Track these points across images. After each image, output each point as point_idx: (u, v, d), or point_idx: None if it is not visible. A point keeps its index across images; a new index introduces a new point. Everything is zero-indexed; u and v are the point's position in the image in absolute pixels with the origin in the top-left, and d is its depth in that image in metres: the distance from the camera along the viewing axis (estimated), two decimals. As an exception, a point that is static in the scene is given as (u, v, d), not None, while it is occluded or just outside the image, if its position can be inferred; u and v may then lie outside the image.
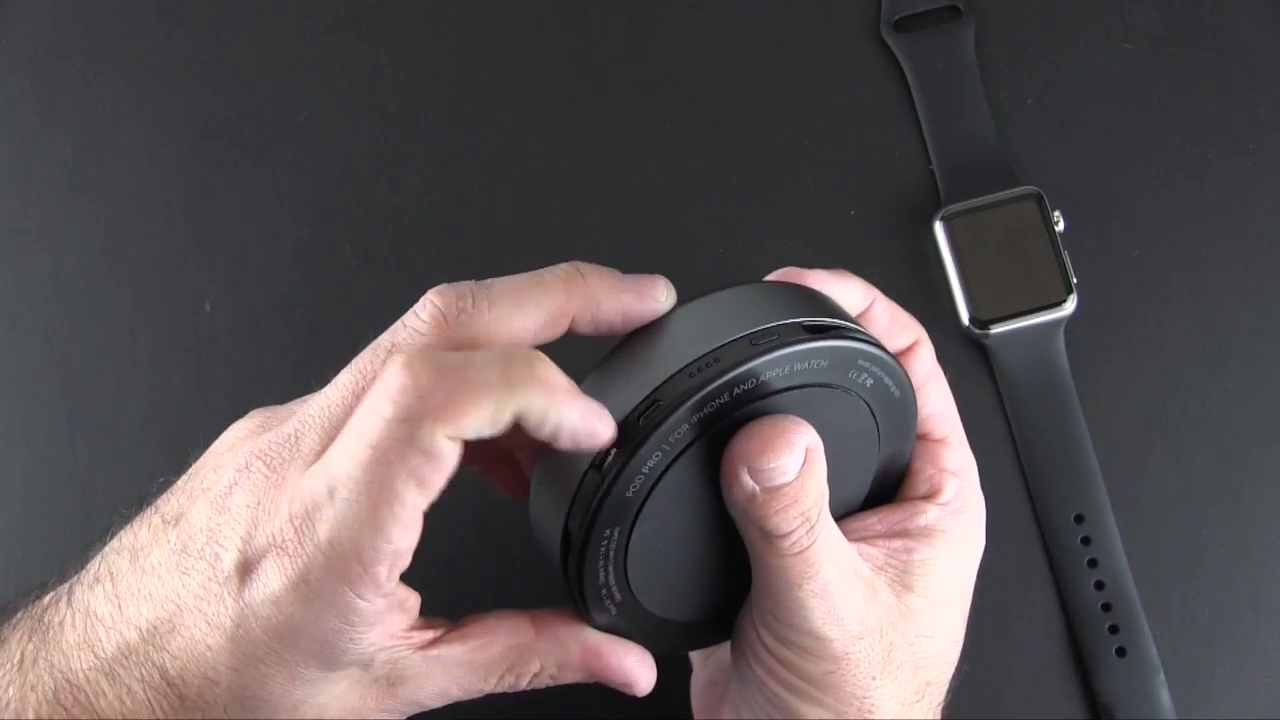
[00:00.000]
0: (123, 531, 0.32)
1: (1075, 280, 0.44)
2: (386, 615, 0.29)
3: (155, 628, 0.30)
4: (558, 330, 0.32)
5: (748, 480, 0.30)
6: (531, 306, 0.31)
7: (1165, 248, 0.46)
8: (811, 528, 0.31)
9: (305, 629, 0.29)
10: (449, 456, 0.28)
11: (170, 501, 0.32)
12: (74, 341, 0.46)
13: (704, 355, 0.30)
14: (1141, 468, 0.44)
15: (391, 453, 0.28)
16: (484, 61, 0.49)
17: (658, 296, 0.32)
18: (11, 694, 0.31)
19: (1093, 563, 0.42)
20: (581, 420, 0.29)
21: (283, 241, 0.47)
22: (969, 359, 0.45)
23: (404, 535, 0.28)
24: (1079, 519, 0.43)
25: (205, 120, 0.48)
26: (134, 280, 0.47)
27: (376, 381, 0.28)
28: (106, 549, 0.32)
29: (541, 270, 0.32)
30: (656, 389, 0.30)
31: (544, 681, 0.32)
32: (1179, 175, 0.47)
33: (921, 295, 0.45)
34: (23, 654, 0.31)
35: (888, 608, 0.33)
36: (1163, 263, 0.46)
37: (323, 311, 0.46)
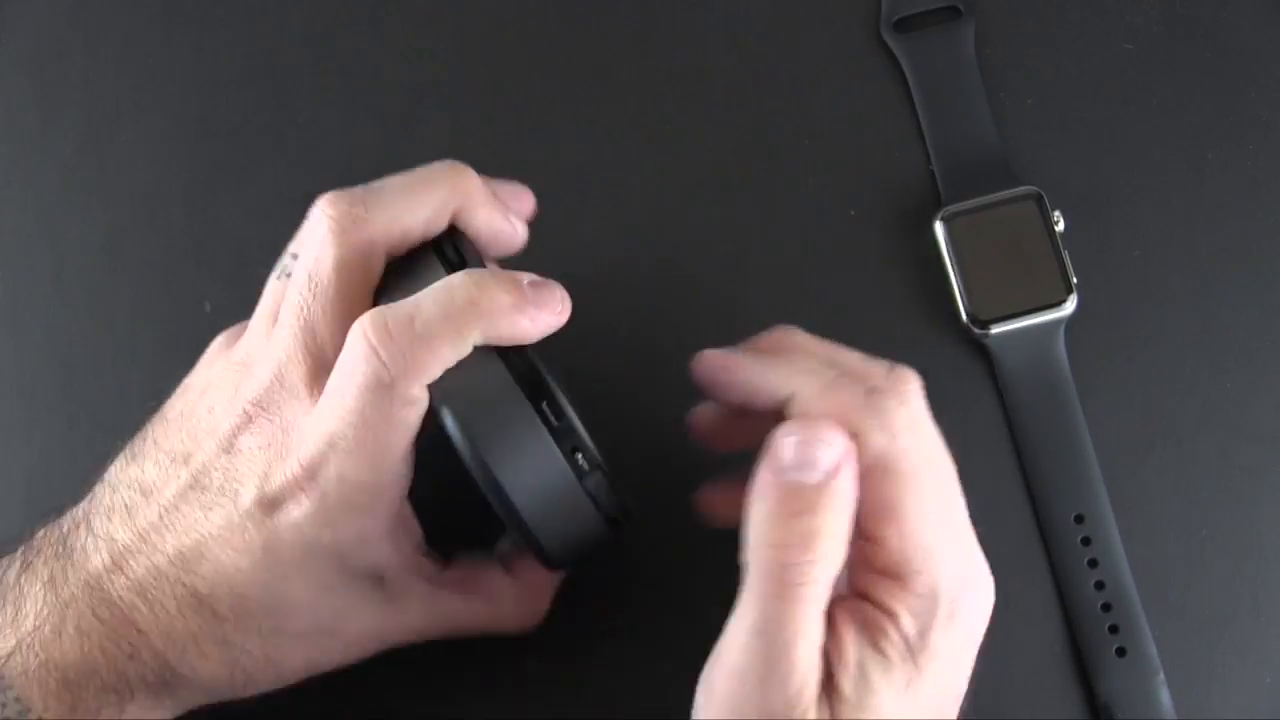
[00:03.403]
0: (124, 464, 0.35)
1: (1075, 280, 0.44)
2: (396, 530, 0.34)
3: (183, 555, 0.33)
4: (442, 223, 0.35)
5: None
6: (418, 203, 0.34)
7: (1165, 248, 0.46)
8: None
9: (327, 543, 0.33)
10: (423, 398, 0.32)
11: (170, 438, 0.35)
12: (74, 341, 0.46)
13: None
14: (1141, 468, 0.44)
15: (374, 413, 0.31)
16: (484, 61, 0.49)
17: (516, 225, 0.37)
18: (45, 612, 0.33)
19: (1093, 563, 0.42)
20: (522, 326, 0.32)
21: (283, 241, 0.46)
22: (969, 359, 0.45)
23: (400, 464, 0.33)
24: (1079, 519, 0.43)
25: (205, 120, 0.48)
26: (134, 280, 0.47)
27: (344, 350, 0.32)
28: (116, 483, 0.35)
29: (429, 166, 0.36)
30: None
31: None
32: (1179, 175, 0.47)
33: (921, 295, 0.45)
34: (52, 573, 0.34)
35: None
36: (1163, 263, 0.46)
37: (323, 311, 0.46)
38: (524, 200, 0.39)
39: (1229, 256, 0.46)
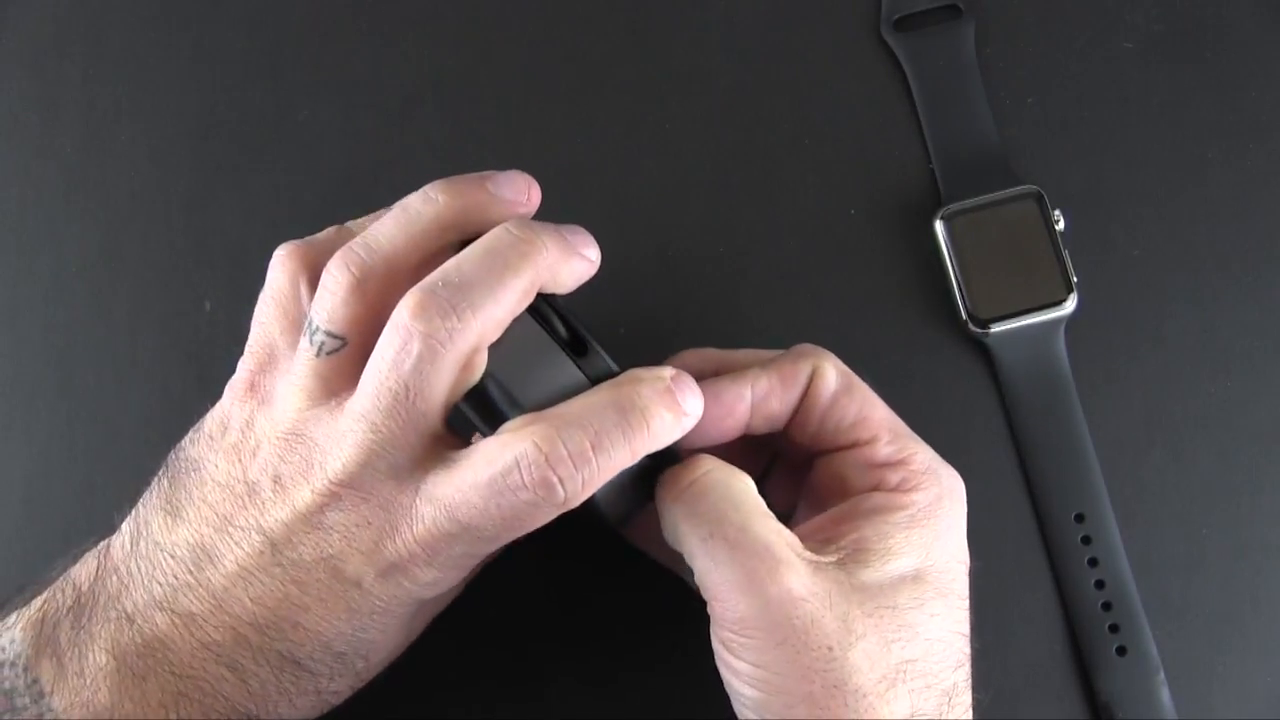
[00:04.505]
0: (170, 524, 0.34)
1: (1075, 280, 0.44)
2: None
3: (273, 624, 0.33)
4: (530, 299, 0.34)
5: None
6: (507, 295, 0.33)
7: (1165, 248, 0.46)
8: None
9: (431, 596, 0.34)
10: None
11: (224, 502, 0.34)
12: (74, 341, 0.46)
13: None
14: (1141, 468, 0.44)
15: (531, 518, 0.32)
16: (484, 61, 0.49)
17: (593, 257, 0.36)
18: (122, 687, 0.33)
19: (1093, 562, 0.42)
20: (677, 433, 0.34)
21: (282, 241, 0.47)
22: (969, 359, 0.45)
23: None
24: (1079, 519, 0.43)
25: (205, 120, 0.48)
26: (134, 280, 0.47)
27: (509, 465, 0.31)
28: (167, 545, 0.34)
29: (497, 244, 0.34)
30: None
31: None
32: (1179, 175, 0.47)
33: (921, 295, 0.45)
34: (114, 641, 0.33)
35: (832, 581, 0.33)
36: (1163, 263, 0.46)
37: (323, 311, 0.46)
38: (588, 239, 0.37)
39: (1229, 256, 0.46)
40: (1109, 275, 0.45)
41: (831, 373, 0.37)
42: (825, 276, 0.46)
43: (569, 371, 0.34)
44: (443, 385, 0.33)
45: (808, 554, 0.33)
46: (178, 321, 0.46)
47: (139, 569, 0.34)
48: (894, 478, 0.35)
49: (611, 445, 0.32)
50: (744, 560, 0.32)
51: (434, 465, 0.33)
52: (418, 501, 0.32)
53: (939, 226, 0.45)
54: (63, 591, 0.34)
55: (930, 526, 0.35)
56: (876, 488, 0.36)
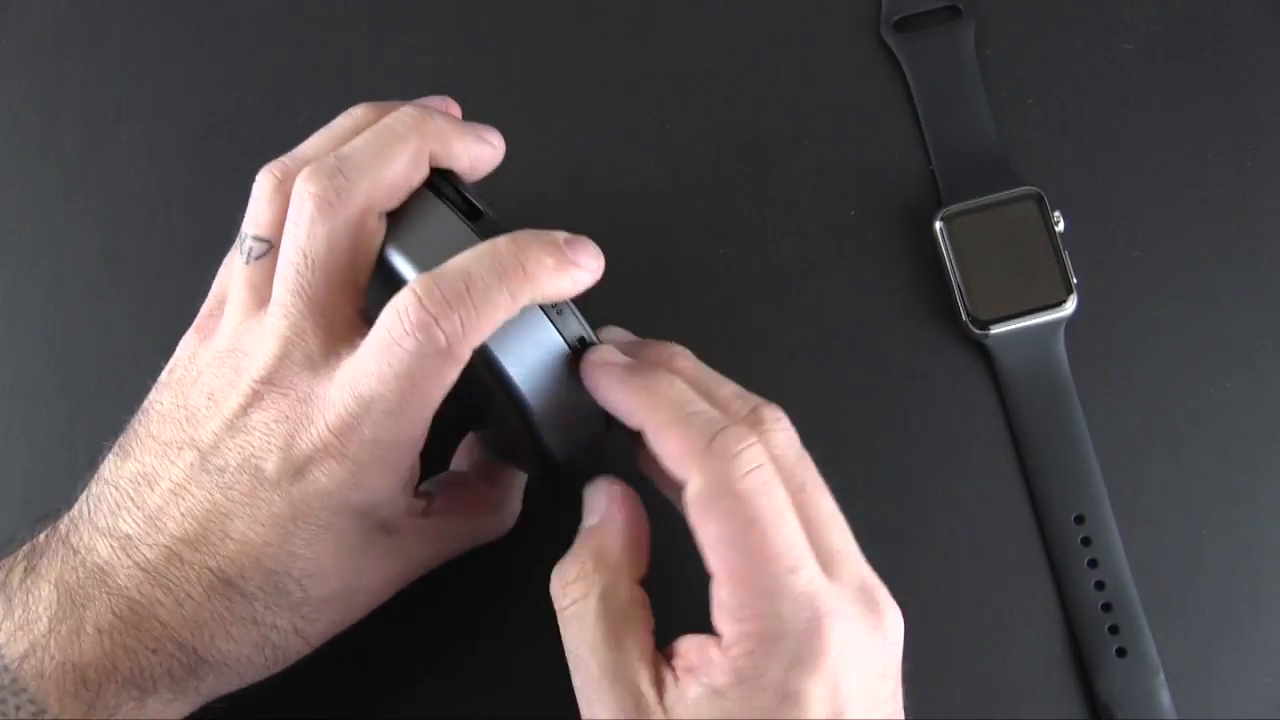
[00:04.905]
0: (119, 462, 0.35)
1: (1075, 280, 0.44)
2: (410, 480, 0.35)
3: (202, 538, 0.33)
4: (423, 170, 0.35)
5: None
6: (394, 159, 0.34)
7: (1165, 248, 0.46)
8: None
9: (354, 503, 0.33)
10: (469, 355, 0.32)
11: (166, 430, 0.34)
12: (74, 341, 0.46)
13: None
14: (1141, 468, 0.44)
15: (424, 376, 0.31)
16: (484, 61, 0.49)
17: (494, 141, 0.37)
18: (61, 614, 0.33)
19: (1093, 563, 0.42)
20: (565, 286, 0.34)
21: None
22: (969, 360, 0.45)
23: (431, 416, 0.33)
24: (1079, 519, 0.43)
25: (205, 120, 0.48)
26: (134, 280, 0.47)
27: (391, 318, 0.32)
28: (114, 480, 0.35)
29: (388, 120, 0.35)
30: None
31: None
32: (1179, 175, 0.47)
33: (921, 295, 0.45)
34: (60, 575, 0.33)
35: None
36: (1163, 263, 0.46)
37: (323, 311, 0.46)
38: (494, 131, 0.38)
39: (1229, 256, 0.46)
40: (1109, 276, 0.45)
41: (693, 484, 0.32)
42: (825, 277, 0.46)
43: (466, 236, 0.34)
44: (339, 250, 0.33)
45: (655, 709, 0.32)
46: (178, 321, 0.46)
47: (88, 507, 0.35)
48: (728, 634, 0.32)
49: (486, 287, 0.32)
50: (589, 701, 0.33)
51: (346, 352, 0.33)
52: (329, 389, 0.32)
53: (939, 227, 0.45)
54: (22, 547, 0.35)
55: (753, 703, 0.31)
56: (717, 627, 0.32)
